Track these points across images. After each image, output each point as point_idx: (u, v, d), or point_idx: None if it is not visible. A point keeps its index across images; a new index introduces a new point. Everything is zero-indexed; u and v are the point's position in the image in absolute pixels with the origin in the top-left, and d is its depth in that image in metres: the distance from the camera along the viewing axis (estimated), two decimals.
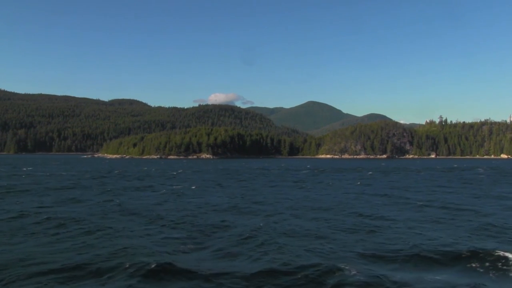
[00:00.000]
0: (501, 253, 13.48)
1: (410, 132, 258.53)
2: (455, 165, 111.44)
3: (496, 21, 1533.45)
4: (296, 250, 14.46)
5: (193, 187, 39.97)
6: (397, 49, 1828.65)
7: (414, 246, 14.91)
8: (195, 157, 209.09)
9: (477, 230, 18.34)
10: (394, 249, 14.71)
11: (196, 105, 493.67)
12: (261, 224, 19.04)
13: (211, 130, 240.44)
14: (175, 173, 68.08)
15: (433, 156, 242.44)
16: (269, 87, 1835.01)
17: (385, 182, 49.97)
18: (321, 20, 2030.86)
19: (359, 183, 47.33)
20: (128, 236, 16.69)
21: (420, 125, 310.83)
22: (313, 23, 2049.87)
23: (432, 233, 17.48)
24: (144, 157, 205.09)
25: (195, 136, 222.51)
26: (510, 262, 12.80)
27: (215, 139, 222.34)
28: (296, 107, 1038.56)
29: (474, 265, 13.00)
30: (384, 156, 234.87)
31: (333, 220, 20.91)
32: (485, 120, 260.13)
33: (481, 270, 12.57)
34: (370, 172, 71.99)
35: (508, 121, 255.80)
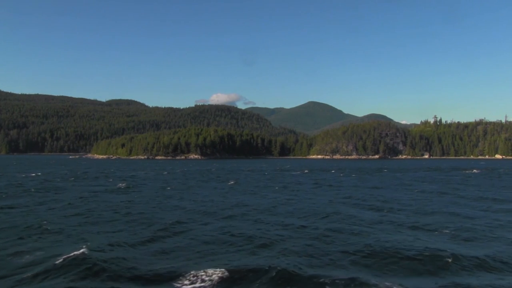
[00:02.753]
0: (450, 253, 13.92)
1: (403, 132, 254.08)
2: (431, 166, 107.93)
3: (495, 24, 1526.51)
4: (234, 254, 14.47)
5: (148, 195, 34.71)
6: (398, 50, 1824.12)
7: (367, 248, 14.89)
8: (183, 157, 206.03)
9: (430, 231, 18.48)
10: (342, 251, 14.76)
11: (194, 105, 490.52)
12: (204, 228, 18.95)
13: (201, 130, 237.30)
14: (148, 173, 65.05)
15: (426, 156, 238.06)
16: (270, 87, 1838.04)
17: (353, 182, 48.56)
18: (322, 21, 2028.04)
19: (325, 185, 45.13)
20: (71, 236, 16.79)
21: (416, 125, 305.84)
22: (315, 24, 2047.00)
23: (383, 235, 17.37)
24: (132, 157, 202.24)
25: (184, 137, 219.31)
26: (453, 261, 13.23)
27: (204, 139, 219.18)
28: (297, 107, 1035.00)
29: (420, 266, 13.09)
30: (377, 156, 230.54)
31: (284, 223, 20.25)
32: (480, 120, 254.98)
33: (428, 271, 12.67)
34: (355, 175, 68.85)
35: (503, 121, 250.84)
